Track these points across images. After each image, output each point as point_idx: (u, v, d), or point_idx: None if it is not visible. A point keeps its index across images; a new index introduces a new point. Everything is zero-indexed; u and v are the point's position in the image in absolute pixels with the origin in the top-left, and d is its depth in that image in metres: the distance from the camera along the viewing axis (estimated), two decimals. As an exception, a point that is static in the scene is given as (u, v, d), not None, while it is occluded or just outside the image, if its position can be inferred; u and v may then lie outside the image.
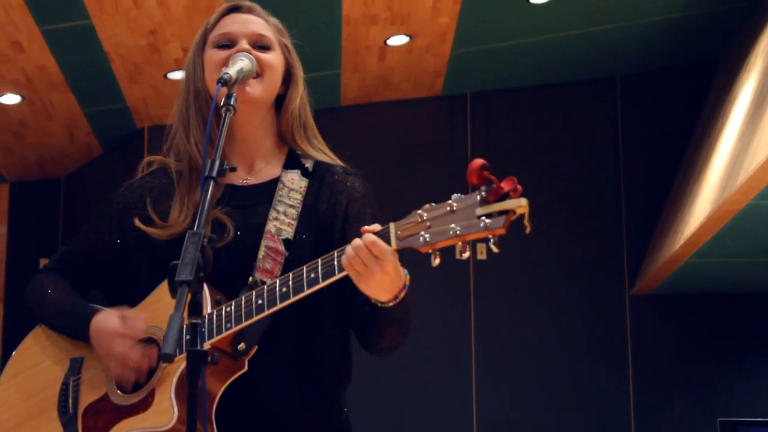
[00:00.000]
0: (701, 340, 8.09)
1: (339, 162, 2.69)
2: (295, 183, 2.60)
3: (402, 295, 2.36)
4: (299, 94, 2.66)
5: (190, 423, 1.99)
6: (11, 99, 7.45)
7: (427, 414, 7.96)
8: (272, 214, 2.55)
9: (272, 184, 2.61)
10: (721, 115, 6.93)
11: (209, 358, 2.04)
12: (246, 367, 2.41)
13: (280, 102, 2.67)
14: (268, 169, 2.64)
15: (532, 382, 8.02)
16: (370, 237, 2.24)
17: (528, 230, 2.08)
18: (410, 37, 7.17)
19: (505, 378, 8.03)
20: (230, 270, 2.48)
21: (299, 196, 2.58)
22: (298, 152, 2.67)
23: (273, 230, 2.53)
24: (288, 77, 2.67)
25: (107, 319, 2.51)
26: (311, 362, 2.54)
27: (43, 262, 9.30)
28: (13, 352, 2.74)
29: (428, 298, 8.09)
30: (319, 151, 2.68)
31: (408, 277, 2.37)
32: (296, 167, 2.64)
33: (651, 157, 8.31)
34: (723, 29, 7.54)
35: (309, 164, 2.65)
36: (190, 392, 2.00)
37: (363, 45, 7.22)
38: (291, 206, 2.56)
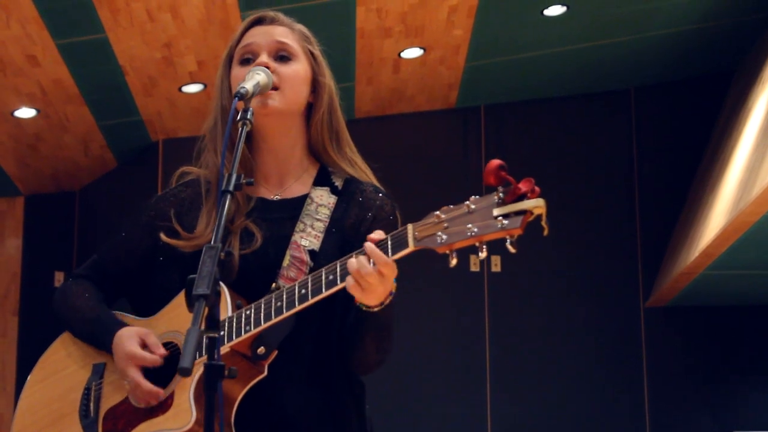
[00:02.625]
0: (716, 352, 8.08)
1: (371, 174, 2.69)
2: (323, 199, 2.61)
3: (387, 301, 2.37)
4: (325, 103, 2.64)
5: (207, 433, 2.00)
6: (27, 113, 7.47)
7: (443, 424, 7.95)
8: (299, 226, 2.56)
9: (301, 200, 2.61)
10: (735, 127, 6.92)
11: (226, 372, 2.04)
12: (266, 372, 2.42)
13: (310, 112, 2.66)
14: (297, 185, 2.64)
15: (546, 394, 8.01)
16: (379, 257, 2.26)
17: (546, 232, 2.09)
18: (424, 49, 7.18)
19: (519, 389, 8.03)
20: (255, 277, 2.49)
21: (327, 211, 2.59)
22: (330, 168, 2.67)
23: (299, 241, 2.54)
24: (315, 86, 2.66)
25: (128, 340, 2.51)
26: (330, 371, 2.55)
27: (59, 275, 9.34)
28: (41, 357, 2.76)
29: (444, 309, 8.11)
30: (350, 163, 2.67)
31: (395, 285, 2.37)
32: (326, 185, 2.64)
33: (665, 169, 8.30)
34: (737, 41, 7.54)
35: (339, 182, 2.64)
36: (207, 405, 2.01)
37: (377, 57, 7.23)
38: (318, 220, 2.57)
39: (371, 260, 2.27)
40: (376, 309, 2.37)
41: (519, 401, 8.01)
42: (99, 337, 2.60)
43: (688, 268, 7.06)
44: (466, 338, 8.12)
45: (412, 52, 7.22)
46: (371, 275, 2.26)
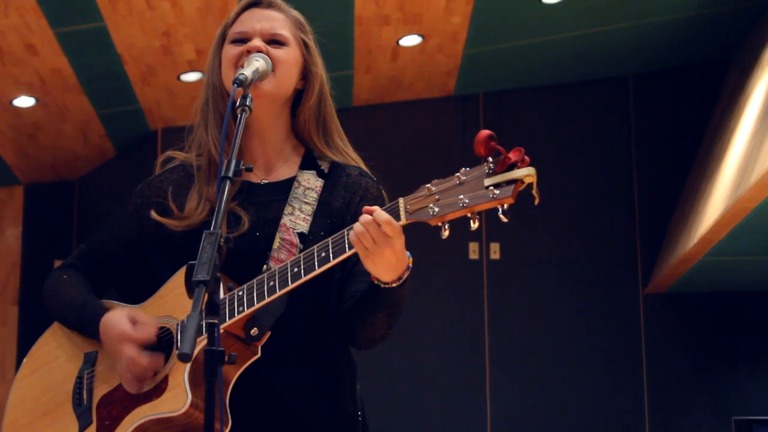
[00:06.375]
0: (715, 339, 8.09)
1: (361, 162, 2.70)
2: (310, 182, 2.61)
3: (405, 276, 2.36)
4: (315, 92, 2.66)
5: (208, 422, 2.00)
6: (25, 102, 7.47)
7: (442, 411, 7.96)
8: (287, 209, 2.57)
9: (288, 183, 2.62)
10: (734, 114, 6.92)
11: (226, 358, 2.05)
12: (260, 353, 2.42)
13: (299, 99, 2.67)
14: (284, 169, 2.65)
15: (545, 381, 8.02)
16: (380, 214, 2.25)
17: (537, 201, 2.09)
18: (422, 37, 7.17)
19: (519, 376, 8.04)
20: (245, 260, 2.49)
21: (315, 194, 2.60)
22: (315, 153, 2.67)
23: (288, 224, 2.54)
24: (306, 74, 2.67)
25: (117, 320, 2.50)
26: (324, 352, 2.56)
27: (58, 264, 9.33)
28: (30, 350, 2.76)
29: (443, 297, 8.11)
30: (339, 152, 2.68)
31: (411, 259, 2.37)
32: (312, 168, 2.65)
33: (664, 155, 8.30)
34: (735, 28, 7.53)
35: (325, 166, 2.65)
36: (208, 391, 2.02)
37: (375, 45, 7.23)
38: (306, 203, 2.58)
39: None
40: (394, 285, 2.36)
41: (518, 388, 8.02)
42: (86, 324, 2.60)
43: (687, 255, 7.07)
44: (465, 325, 8.13)
45: (411, 40, 7.21)
46: (373, 226, 2.24)
